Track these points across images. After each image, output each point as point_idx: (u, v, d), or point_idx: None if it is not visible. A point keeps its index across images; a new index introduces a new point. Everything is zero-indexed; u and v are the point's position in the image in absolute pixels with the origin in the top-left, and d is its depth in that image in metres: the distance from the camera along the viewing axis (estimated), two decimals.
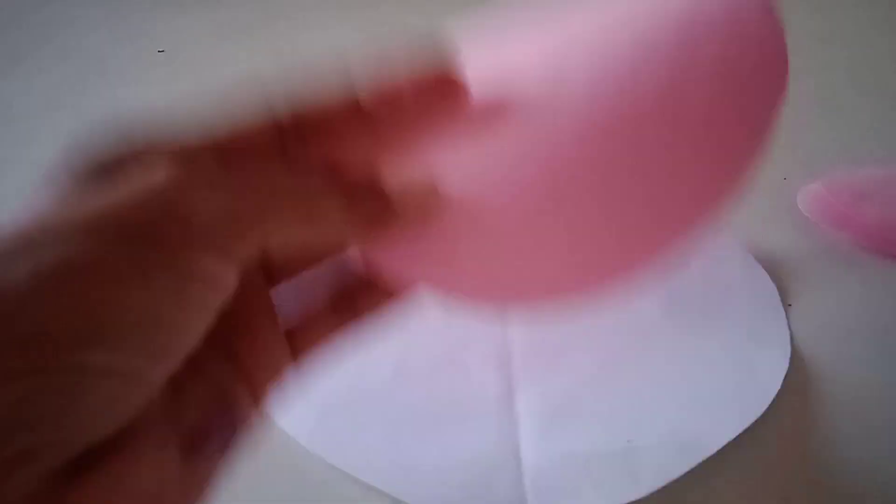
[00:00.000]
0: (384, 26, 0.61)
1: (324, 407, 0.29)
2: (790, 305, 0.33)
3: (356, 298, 0.22)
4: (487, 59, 0.24)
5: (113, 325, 0.14)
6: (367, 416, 0.29)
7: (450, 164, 0.21)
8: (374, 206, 0.20)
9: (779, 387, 0.29)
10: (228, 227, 0.17)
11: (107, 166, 0.17)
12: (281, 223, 0.18)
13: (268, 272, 0.20)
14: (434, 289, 0.22)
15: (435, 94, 0.20)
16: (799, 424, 0.29)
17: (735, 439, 0.27)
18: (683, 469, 0.26)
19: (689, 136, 0.22)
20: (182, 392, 0.17)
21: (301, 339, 0.21)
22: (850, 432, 0.28)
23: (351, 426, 0.28)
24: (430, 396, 0.29)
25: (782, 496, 0.26)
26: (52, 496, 0.13)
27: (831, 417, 0.29)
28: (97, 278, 0.14)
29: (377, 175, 0.20)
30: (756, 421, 0.28)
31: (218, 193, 0.17)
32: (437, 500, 0.26)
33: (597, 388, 0.29)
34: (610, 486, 0.25)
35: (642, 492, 0.25)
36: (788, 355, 0.30)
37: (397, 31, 0.61)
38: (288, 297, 0.21)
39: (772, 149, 0.36)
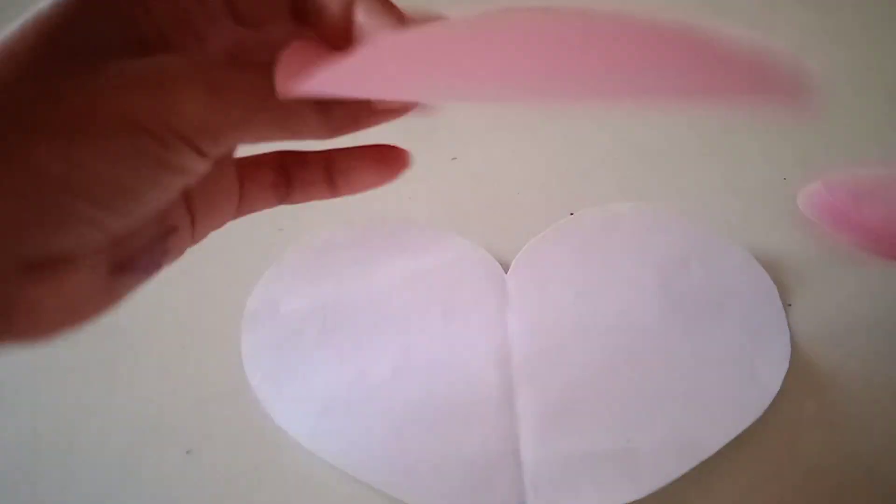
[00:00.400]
0: None
1: (324, 406, 0.29)
2: (790, 305, 0.33)
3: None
4: None
5: (98, 187, 0.18)
6: (367, 416, 0.29)
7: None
8: (351, 109, 0.22)
9: (779, 387, 0.29)
10: (208, 131, 0.20)
11: None
12: (259, 131, 0.21)
13: None
14: None
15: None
16: (799, 424, 0.29)
17: (735, 439, 0.27)
18: (683, 469, 0.26)
19: None
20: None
21: (246, 196, 0.24)
22: (850, 432, 0.28)
23: (351, 425, 0.28)
24: (429, 396, 0.29)
25: (781, 496, 0.26)
26: (16, 280, 0.18)
27: (831, 417, 0.29)
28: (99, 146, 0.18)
29: None
30: (756, 421, 0.28)
31: (207, 96, 0.19)
32: (436, 500, 0.26)
33: (597, 387, 0.29)
34: (610, 487, 0.25)
35: (642, 492, 0.25)
36: (788, 355, 0.30)
37: None
38: None
39: (772, 149, 0.36)
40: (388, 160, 0.25)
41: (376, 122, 0.23)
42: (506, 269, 0.35)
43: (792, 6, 0.56)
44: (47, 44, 0.20)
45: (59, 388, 0.32)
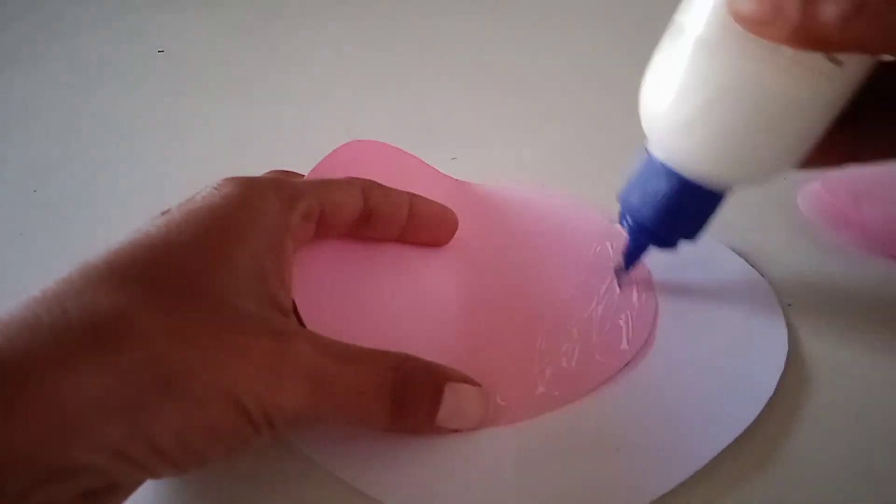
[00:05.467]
0: (384, 27, 0.61)
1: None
2: (790, 305, 0.33)
3: None
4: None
5: (177, 453, 0.19)
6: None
7: None
8: (417, 417, 0.23)
9: (774, 387, 0.29)
10: (294, 422, 0.21)
11: None
12: (332, 421, 0.23)
13: None
14: None
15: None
16: (798, 424, 0.28)
17: (734, 440, 0.27)
18: (678, 480, 0.25)
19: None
20: None
21: None
22: (850, 432, 0.28)
23: (349, 434, 0.28)
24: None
25: (779, 498, 0.26)
26: None
27: (830, 417, 0.29)
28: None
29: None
30: (755, 421, 0.28)
31: (310, 395, 0.21)
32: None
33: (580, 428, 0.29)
34: (605, 495, 0.25)
35: (639, 501, 0.25)
36: (785, 356, 0.30)
37: (397, 32, 0.61)
38: None
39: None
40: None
41: (434, 433, 0.24)
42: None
43: None
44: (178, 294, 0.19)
45: None
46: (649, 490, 0.24)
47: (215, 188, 0.22)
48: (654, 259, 0.32)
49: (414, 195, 0.29)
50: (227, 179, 0.22)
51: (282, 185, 0.24)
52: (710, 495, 0.26)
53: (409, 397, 0.22)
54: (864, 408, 0.29)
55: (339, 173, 0.28)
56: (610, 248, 0.35)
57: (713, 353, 0.30)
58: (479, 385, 0.25)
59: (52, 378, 0.17)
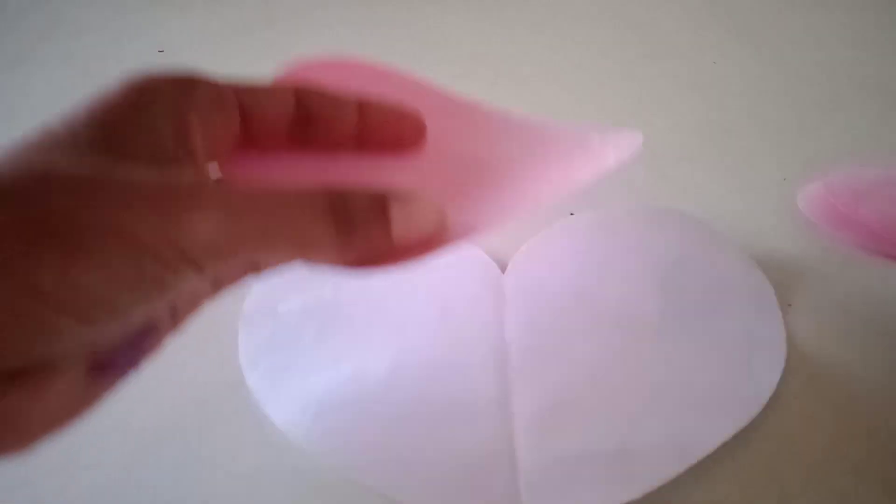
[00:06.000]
0: (384, 27, 0.61)
1: (320, 406, 0.29)
2: (790, 305, 0.33)
3: None
4: None
5: (87, 305, 0.18)
6: (363, 415, 0.29)
7: None
8: (370, 238, 0.21)
9: (774, 386, 0.29)
10: (219, 254, 0.19)
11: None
12: (270, 251, 0.20)
13: None
14: None
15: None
16: (798, 424, 0.28)
17: (732, 439, 0.27)
18: (678, 470, 0.25)
19: None
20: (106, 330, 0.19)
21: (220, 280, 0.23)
22: (849, 432, 0.28)
23: (347, 425, 0.28)
24: (425, 396, 0.29)
25: (779, 497, 0.26)
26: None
27: (830, 417, 0.29)
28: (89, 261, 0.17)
29: (382, 196, 0.21)
30: (754, 421, 0.28)
31: (223, 218, 0.19)
32: (431, 500, 0.26)
33: (593, 388, 0.29)
34: (605, 487, 0.25)
35: (637, 493, 0.25)
36: (784, 355, 0.30)
37: (397, 32, 0.61)
38: None
39: (772, 149, 0.36)
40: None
41: (394, 261, 0.22)
42: (503, 270, 0.35)
43: (792, 5, 0.56)
44: (70, 141, 0.19)
45: None
46: (646, 481, 0.25)
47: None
48: (654, 260, 0.33)
49: (363, 95, 0.26)
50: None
51: (183, 72, 0.23)
52: (711, 495, 0.26)
53: (351, 210, 0.20)
54: (865, 407, 0.29)
55: None
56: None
57: (713, 353, 0.30)
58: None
59: None
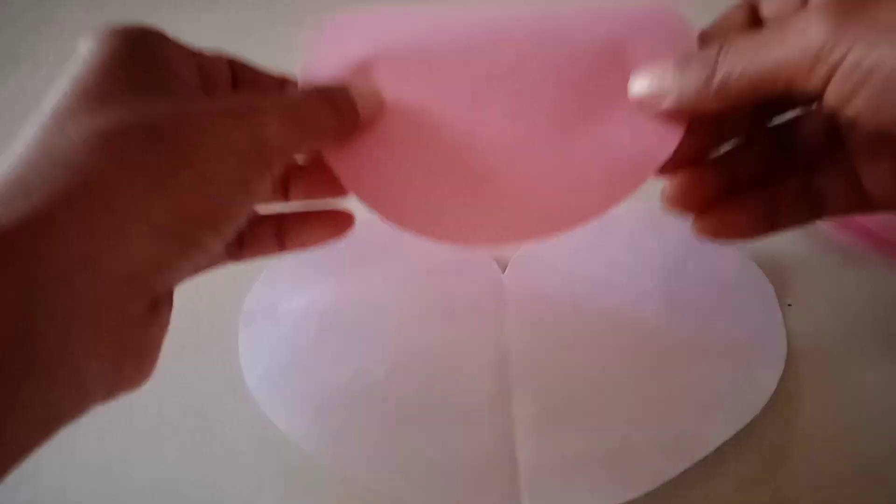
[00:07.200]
0: None
1: (319, 406, 0.29)
2: (790, 305, 0.33)
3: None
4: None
5: (212, 212, 0.22)
6: (363, 416, 0.29)
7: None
8: (350, 114, 0.27)
9: (774, 386, 0.29)
10: (283, 154, 0.24)
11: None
12: (307, 142, 0.26)
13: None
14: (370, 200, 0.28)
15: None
16: (798, 424, 0.28)
17: (733, 439, 0.27)
18: (678, 469, 0.25)
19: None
20: None
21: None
22: (849, 432, 0.28)
23: (347, 425, 0.28)
24: (426, 396, 0.29)
25: (779, 497, 0.26)
26: (146, 321, 0.21)
27: (830, 417, 0.29)
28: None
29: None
30: (754, 420, 0.28)
31: (283, 122, 0.23)
32: (431, 500, 0.26)
33: (593, 388, 0.29)
34: (604, 487, 0.25)
35: (637, 492, 0.25)
36: (784, 355, 0.30)
37: None
38: None
39: None
40: (335, 222, 0.30)
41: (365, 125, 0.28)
42: (503, 270, 0.35)
43: None
44: (131, 84, 0.23)
45: None
46: (647, 481, 0.25)
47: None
48: (654, 260, 0.33)
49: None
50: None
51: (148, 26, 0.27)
52: (711, 495, 0.26)
53: (337, 99, 0.26)
54: (865, 408, 0.29)
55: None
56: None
57: (714, 352, 0.30)
58: None
59: (97, 182, 0.20)
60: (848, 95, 0.22)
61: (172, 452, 0.29)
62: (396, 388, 0.30)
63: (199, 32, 0.62)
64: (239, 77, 0.29)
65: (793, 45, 0.22)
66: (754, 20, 0.27)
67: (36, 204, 0.19)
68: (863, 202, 0.27)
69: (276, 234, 0.29)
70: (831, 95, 0.22)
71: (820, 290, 0.34)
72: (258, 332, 0.32)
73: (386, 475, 0.26)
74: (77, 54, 0.25)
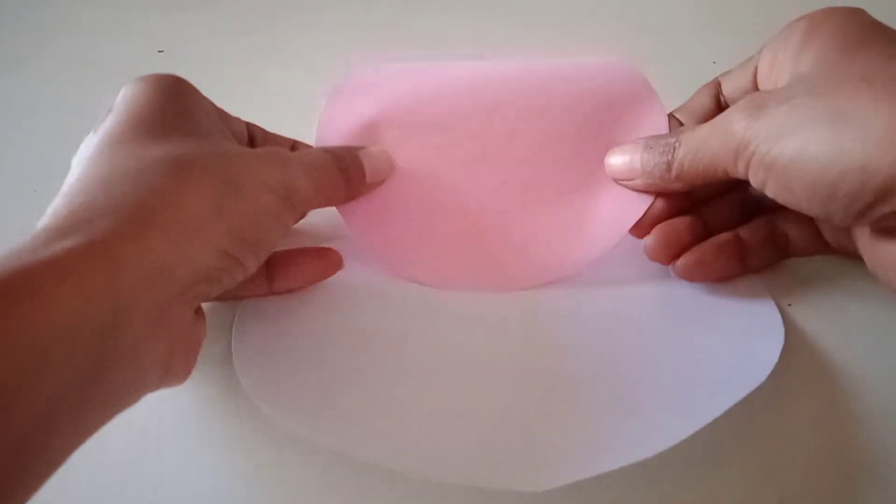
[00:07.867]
0: (385, 27, 0.61)
1: (320, 405, 0.29)
2: (790, 305, 0.33)
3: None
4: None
5: (253, 237, 0.26)
6: (363, 412, 0.28)
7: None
8: (357, 179, 0.32)
9: (775, 360, 0.29)
10: (306, 202, 0.29)
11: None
12: (319, 200, 0.31)
13: None
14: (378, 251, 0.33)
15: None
16: (797, 424, 0.28)
17: (732, 439, 0.27)
18: (688, 431, 0.25)
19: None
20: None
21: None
22: (849, 432, 0.28)
23: (347, 420, 0.28)
24: (428, 388, 0.29)
25: (779, 497, 0.26)
26: (194, 323, 0.26)
27: (830, 417, 0.29)
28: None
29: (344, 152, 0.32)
30: (753, 420, 0.28)
31: (307, 175, 0.29)
32: (441, 473, 0.25)
33: (592, 384, 0.29)
34: (617, 451, 0.25)
35: (648, 452, 0.24)
36: (778, 354, 0.30)
37: (398, 32, 0.61)
38: None
39: None
40: (324, 260, 0.32)
41: (366, 191, 0.33)
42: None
43: (792, 4, 0.56)
44: (176, 127, 0.26)
45: None
46: (659, 442, 0.25)
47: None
48: (652, 263, 0.33)
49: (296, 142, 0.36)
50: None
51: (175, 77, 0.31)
52: (711, 495, 0.26)
53: (347, 166, 0.31)
54: (865, 408, 0.29)
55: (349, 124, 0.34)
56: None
57: (712, 352, 0.30)
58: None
59: (171, 201, 0.23)
60: (762, 181, 0.27)
61: (172, 452, 0.29)
62: (397, 382, 0.30)
63: (199, 32, 0.63)
64: (255, 136, 0.34)
65: (721, 142, 0.27)
66: (718, 100, 0.33)
67: (124, 214, 0.22)
68: (823, 246, 0.32)
69: (266, 276, 0.32)
70: (752, 181, 0.27)
71: (820, 290, 0.34)
72: (256, 332, 0.32)
73: (391, 451, 0.26)
74: (124, 93, 0.28)
